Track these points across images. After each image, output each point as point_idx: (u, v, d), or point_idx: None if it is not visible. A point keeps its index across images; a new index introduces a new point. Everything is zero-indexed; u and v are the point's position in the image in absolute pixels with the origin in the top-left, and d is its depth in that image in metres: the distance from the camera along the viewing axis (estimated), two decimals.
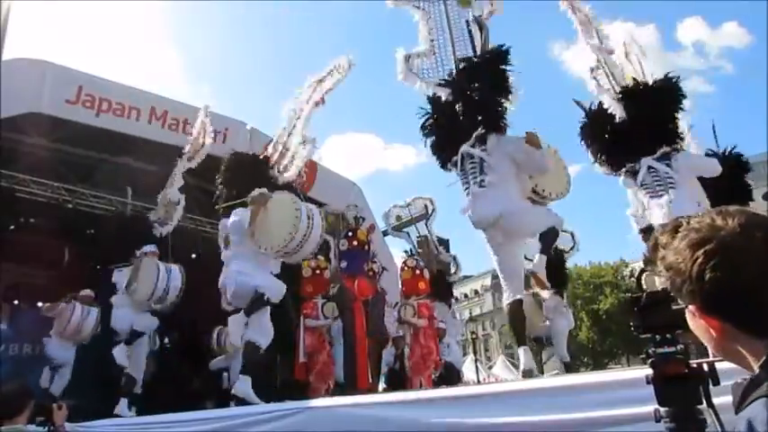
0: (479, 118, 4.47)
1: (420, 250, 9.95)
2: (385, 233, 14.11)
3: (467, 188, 4.39)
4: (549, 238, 4.25)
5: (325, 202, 11.80)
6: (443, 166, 4.78)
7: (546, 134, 4.81)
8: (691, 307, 0.93)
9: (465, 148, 4.42)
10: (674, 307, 1.05)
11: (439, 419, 2.98)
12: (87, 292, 7.67)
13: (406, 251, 9.20)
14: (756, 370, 0.86)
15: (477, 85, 4.59)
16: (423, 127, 4.82)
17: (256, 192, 5.03)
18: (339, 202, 11.65)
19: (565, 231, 8.44)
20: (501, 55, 4.63)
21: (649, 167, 4.47)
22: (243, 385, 4.79)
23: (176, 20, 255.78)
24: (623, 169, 4.74)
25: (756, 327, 0.87)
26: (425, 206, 10.63)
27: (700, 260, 0.88)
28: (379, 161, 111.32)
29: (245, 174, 5.57)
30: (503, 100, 4.54)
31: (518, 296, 4.11)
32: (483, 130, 4.41)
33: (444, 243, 13.45)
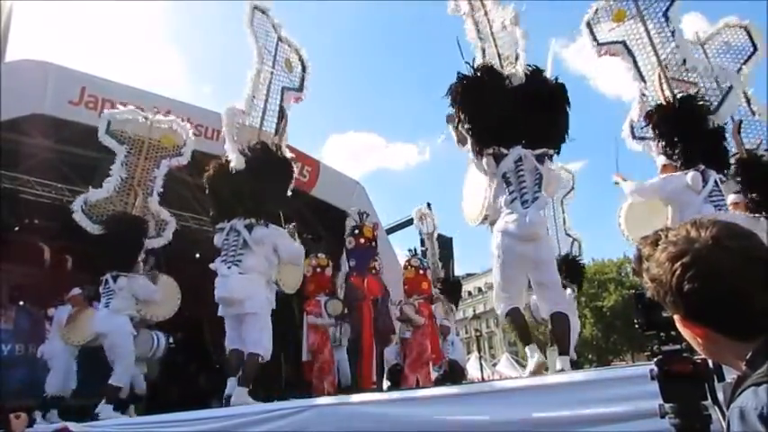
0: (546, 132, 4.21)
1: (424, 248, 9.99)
2: (388, 231, 14.13)
3: (521, 193, 4.04)
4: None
5: (329, 201, 11.80)
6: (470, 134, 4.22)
7: None
8: (676, 316, 0.98)
9: (527, 152, 4.09)
10: (664, 315, 1.07)
11: (443, 417, 2.98)
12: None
13: (409, 250, 9.17)
14: (743, 368, 0.89)
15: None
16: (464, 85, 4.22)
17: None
18: (342, 200, 11.64)
19: (569, 236, 8.53)
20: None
21: (715, 182, 4.59)
22: (241, 397, 4.70)
23: (177, 20, 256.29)
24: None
25: (737, 331, 0.90)
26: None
27: (678, 273, 0.92)
28: (380, 160, 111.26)
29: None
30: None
31: (514, 305, 4.03)
32: (547, 150, 4.18)
33: (448, 241, 13.48)
